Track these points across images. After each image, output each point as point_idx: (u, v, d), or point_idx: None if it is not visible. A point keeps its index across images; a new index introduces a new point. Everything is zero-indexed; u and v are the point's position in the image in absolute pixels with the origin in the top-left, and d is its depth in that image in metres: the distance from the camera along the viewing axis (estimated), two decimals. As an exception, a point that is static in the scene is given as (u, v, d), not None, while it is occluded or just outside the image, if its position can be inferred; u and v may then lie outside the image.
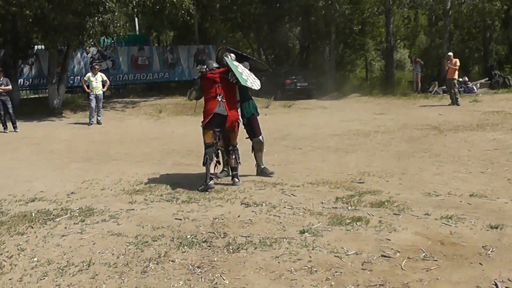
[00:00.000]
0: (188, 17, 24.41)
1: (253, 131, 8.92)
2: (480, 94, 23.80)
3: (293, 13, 32.99)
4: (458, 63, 20.92)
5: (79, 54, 25.87)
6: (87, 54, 25.56)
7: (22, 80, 24.87)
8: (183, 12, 22.51)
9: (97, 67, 19.10)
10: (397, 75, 33.38)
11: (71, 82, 25.72)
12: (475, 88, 25.34)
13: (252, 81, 8.50)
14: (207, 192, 7.48)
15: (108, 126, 18.10)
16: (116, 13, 20.64)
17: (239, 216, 6.05)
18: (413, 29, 38.21)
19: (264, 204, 6.60)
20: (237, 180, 8.29)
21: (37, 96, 27.72)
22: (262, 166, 9.08)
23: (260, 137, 8.93)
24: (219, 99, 8.21)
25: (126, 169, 9.89)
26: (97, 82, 18.45)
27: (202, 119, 8.34)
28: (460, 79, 24.46)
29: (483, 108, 18.65)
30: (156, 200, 7.14)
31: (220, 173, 9.06)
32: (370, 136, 13.66)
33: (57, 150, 13.18)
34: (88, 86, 18.46)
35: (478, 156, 10.12)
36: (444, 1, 29.07)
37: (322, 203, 6.64)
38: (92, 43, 21.07)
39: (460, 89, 23.91)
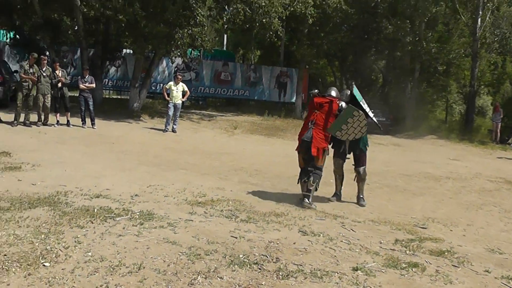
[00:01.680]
0: (276, 39, 24.61)
1: (358, 162, 9.47)
2: None
3: (380, 45, 32.74)
4: None
5: (164, 62, 26.53)
6: (172, 63, 26.15)
7: (107, 80, 25.73)
8: (271, 33, 22.69)
9: (179, 76, 19.46)
10: (477, 121, 32.53)
11: (153, 88, 26.37)
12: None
13: (348, 133, 8.88)
14: (266, 215, 7.44)
15: (182, 135, 18.35)
16: (206, 27, 20.97)
17: (294, 243, 6.00)
18: (499, 76, 37.23)
19: (321, 234, 6.53)
20: (306, 201, 8.55)
21: (119, 97, 28.53)
22: (361, 196, 9.54)
23: (362, 168, 9.44)
24: (310, 126, 8.64)
25: (192, 179, 9.99)
26: (178, 91, 18.76)
27: None
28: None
29: None
30: (215, 214, 7.17)
31: (332, 196, 9.63)
32: (440, 181, 13.29)
33: (129, 151, 13.49)
34: (168, 94, 18.77)
35: (551, 217, 9.65)
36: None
37: (381, 242, 6.51)
38: (179, 54, 21.47)
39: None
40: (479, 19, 27.95)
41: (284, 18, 23.41)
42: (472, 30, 28.70)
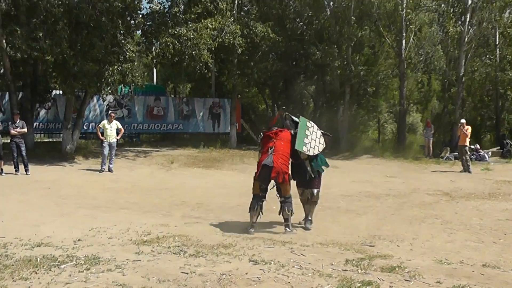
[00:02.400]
0: (206, 70, 24.64)
1: (312, 183, 9.54)
2: (492, 163, 23.65)
3: (309, 71, 33.28)
4: (470, 130, 20.90)
5: (95, 101, 26.06)
6: (104, 102, 25.77)
7: (37, 123, 25.05)
8: (201, 65, 22.71)
9: (113, 115, 19.22)
10: (409, 138, 33.34)
11: (86, 128, 25.85)
12: (486, 156, 25.18)
13: (312, 147, 9.19)
14: (214, 248, 7.37)
15: (119, 174, 18.05)
16: (135, 63, 20.84)
17: (246, 274, 5.95)
18: (426, 94, 38.43)
19: (272, 262, 6.49)
20: (288, 229, 8.98)
21: (50, 140, 27.86)
22: (309, 218, 9.70)
23: (316, 190, 9.57)
24: (270, 152, 8.93)
25: (135, 218, 9.82)
26: (112, 130, 18.50)
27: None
28: (472, 147, 24.39)
29: (495, 177, 18.47)
30: (163, 252, 7.04)
31: (303, 220, 9.75)
32: (381, 199, 13.53)
33: (66, 195, 13.14)
34: (102, 133, 18.50)
35: (490, 225, 9.92)
36: (457, 68, 29.37)
37: (332, 264, 6.52)
38: (110, 91, 21.20)
39: (472, 156, 23.82)
40: (404, 41, 28.87)
41: (213, 49, 23.48)
42: (397, 51, 29.60)
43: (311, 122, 9.42)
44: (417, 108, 41.58)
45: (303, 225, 9.60)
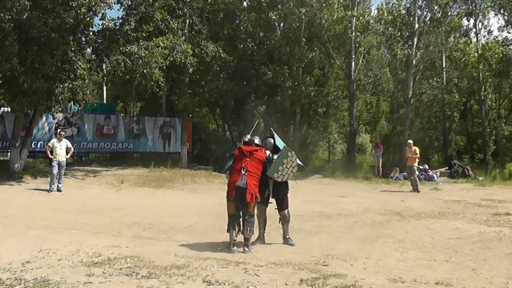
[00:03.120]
0: (157, 89, 24.50)
1: (282, 205, 9.94)
2: (441, 183, 24.15)
3: (260, 91, 33.45)
4: (418, 151, 21.29)
5: (44, 119, 25.51)
6: (53, 120, 25.28)
7: (-17, 141, 24.41)
8: (152, 83, 22.53)
9: (62, 133, 18.81)
10: (359, 158, 33.82)
11: (34, 146, 25.26)
12: (435, 176, 25.67)
13: (283, 174, 9.46)
14: (167, 269, 7.25)
15: (69, 194, 17.68)
16: (86, 81, 20.53)
17: (201, 296, 5.86)
18: (375, 115, 39.12)
19: (226, 283, 6.44)
20: (247, 249, 9.00)
21: (-3, 158, 27.16)
22: (287, 236, 10.04)
23: (286, 210, 9.93)
24: (243, 173, 8.99)
25: (85, 239, 9.59)
26: (61, 148, 18.14)
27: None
28: (421, 167, 24.83)
29: (444, 197, 18.79)
30: (115, 273, 6.89)
31: (256, 240, 9.84)
32: (333, 218, 13.60)
33: (14, 216, 12.76)
34: (51, 152, 18.13)
35: (441, 244, 10.07)
36: (405, 90, 29.97)
37: (286, 284, 6.51)
38: (60, 109, 20.79)
39: (421, 176, 24.27)
40: (353, 63, 29.42)
41: (164, 68, 23.35)
42: (347, 73, 30.14)
43: (292, 152, 9.58)
44: (366, 129, 42.29)
45: (287, 243, 9.91)
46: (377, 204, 16.52)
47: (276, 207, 10.00)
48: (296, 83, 29.14)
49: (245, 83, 33.02)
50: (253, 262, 7.99)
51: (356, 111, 31.39)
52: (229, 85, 30.73)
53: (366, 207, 15.81)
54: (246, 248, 9.01)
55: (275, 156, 9.56)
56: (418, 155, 21.18)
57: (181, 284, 6.37)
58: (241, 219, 9.17)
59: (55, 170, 17.91)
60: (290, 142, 29.59)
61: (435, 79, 32.09)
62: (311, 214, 14.14)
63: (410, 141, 22.20)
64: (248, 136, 9.89)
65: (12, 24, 18.35)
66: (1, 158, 26.31)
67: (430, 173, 25.89)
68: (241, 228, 9.16)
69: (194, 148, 33.57)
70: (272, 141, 10.02)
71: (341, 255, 8.83)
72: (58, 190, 17.90)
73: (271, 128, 10.60)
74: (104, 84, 31.77)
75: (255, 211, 9.43)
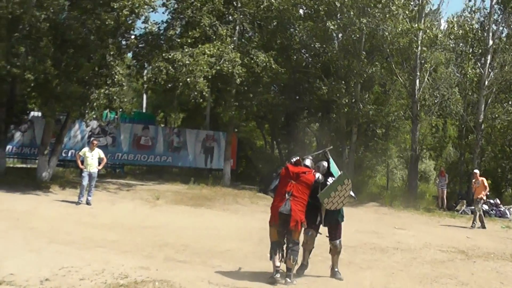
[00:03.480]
0: (201, 100, 24.54)
1: (334, 234, 9.84)
2: (514, 220, 23.47)
3: (313, 107, 33.26)
4: (486, 183, 20.76)
5: (77, 126, 25.91)
6: (87, 127, 25.62)
7: (11, 146, 24.82)
8: (196, 93, 22.58)
9: (95, 142, 18.96)
10: (421, 187, 33.21)
11: (64, 155, 25.62)
12: (508, 213, 24.87)
13: (333, 202, 9.36)
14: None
15: (98, 208, 17.76)
16: (124, 87, 20.72)
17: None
18: (440, 139, 38.30)
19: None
20: (289, 280, 8.88)
21: (24, 165, 27.63)
22: (336, 269, 9.88)
23: (338, 240, 9.84)
24: (287, 197, 8.94)
25: (112, 258, 9.58)
26: (93, 158, 18.27)
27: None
28: (492, 201, 24.27)
29: (517, 236, 18.26)
30: (141, 298, 6.80)
31: (299, 269, 9.73)
32: (388, 252, 13.31)
33: (37, 228, 12.87)
34: (82, 162, 18.28)
35: (512, 290, 9.71)
36: (476, 113, 29.33)
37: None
38: (94, 116, 21.02)
39: (491, 212, 23.69)
40: (417, 80, 28.94)
41: (210, 77, 23.36)
42: (410, 91, 29.65)
43: (349, 180, 9.50)
44: (430, 155, 41.46)
45: (334, 277, 9.77)
46: (439, 240, 16.10)
47: (327, 235, 9.86)
48: (353, 100, 28.86)
49: (297, 97, 32.82)
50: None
51: (419, 134, 30.82)
52: (279, 99, 30.63)
53: (426, 242, 15.42)
54: (288, 279, 8.87)
55: (330, 180, 9.48)
56: (486, 187, 20.66)
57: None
58: (284, 246, 9.02)
59: (85, 182, 18.01)
60: (345, 165, 29.31)
61: (510, 103, 31.27)
62: (364, 246, 13.89)
63: (476, 171, 21.73)
64: (297, 157, 9.73)
65: (48, 24, 18.57)
66: (29, 166, 26.76)
67: (502, 209, 25.13)
68: (285, 256, 9.01)
69: (239, 166, 33.57)
70: (326, 165, 9.94)
71: (396, 295, 8.58)
72: (87, 203, 18.01)
73: (327, 151, 10.39)
74: (144, 92, 32.13)
75: (301, 239, 9.27)
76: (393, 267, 11.40)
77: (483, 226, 20.07)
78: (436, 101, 30.30)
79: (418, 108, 29.52)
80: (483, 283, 10.29)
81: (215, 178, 27.60)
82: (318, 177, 9.40)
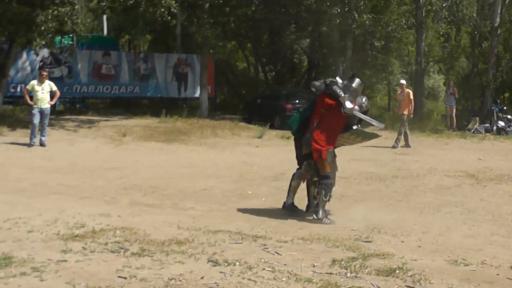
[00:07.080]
0: (169, 17, 24.24)
1: None
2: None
3: (302, 20, 33.01)
4: (412, 96, 20.77)
5: (25, 56, 25.63)
6: (37, 57, 25.33)
7: None
8: (162, 10, 22.30)
9: (44, 73, 18.65)
10: (428, 106, 33.32)
11: (12, 90, 25.44)
12: (526, 131, 25.16)
13: (340, 142, 10.15)
14: (165, 244, 7.19)
15: (54, 149, 17.79)
16: (76, 6, 20.42)
17: (202, 278, 5.77)
18: (452, 50, 38.13)
19: (237, 263, 6.33)
20: (315, 217, 9.29)
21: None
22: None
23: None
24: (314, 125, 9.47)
25: (67, 206, 9.61)
26: (44, 92, 18.09)
27: None
28: (509, 116, 24.44)
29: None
30: (98, 250, 6.84)
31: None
32: (386, 181, 13.48)
33: (-19, 176, 12.94)
34: (31, 97, 18.16)
35: (525, 216, 9.89)
36: (491, 17, 29.16)
37: (314, 266, 6.38)
38: (44, 43, 20.79)
39: (509, 128, 23.89)
40: (422, -19, 28.67)
41: (178, -11, 23.06)
42: (414, -5, 29.39)
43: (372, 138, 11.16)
44: (439, 68, 41.38)
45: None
46: (446, 164, 16.32)
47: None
48: (346, 9, 28.54)
49: (282, 10, 32.52)
50: (276, 236, 7.89)
51: (425, 45, 30.76)
52: (262, 12, 30.34)
53: (431, 167, 15.61)
54: (315, 215, 9.32)
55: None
56: (411, 101, 20.72)
57: (179, 264, 6.29)
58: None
59: (36, 120, 17.94)
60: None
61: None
62: (359, 176, 14.09)
63: (403, 81, 21.93)
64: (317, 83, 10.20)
65: None
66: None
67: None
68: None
69: (219, 93, 33.51)
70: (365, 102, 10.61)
71: (390, 228, 8.73)
72: (41, 144, 18.01)
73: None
74: (101, 11, 31.66)
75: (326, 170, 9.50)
76: (391, 197, 11.60)
77: (407, 145, 20.33)
78: (444, 5, 30.07)
79: (424, 15, 29.34)
80: (492, 209, 10.49)
81: (190, 109, 27.59)
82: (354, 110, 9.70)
